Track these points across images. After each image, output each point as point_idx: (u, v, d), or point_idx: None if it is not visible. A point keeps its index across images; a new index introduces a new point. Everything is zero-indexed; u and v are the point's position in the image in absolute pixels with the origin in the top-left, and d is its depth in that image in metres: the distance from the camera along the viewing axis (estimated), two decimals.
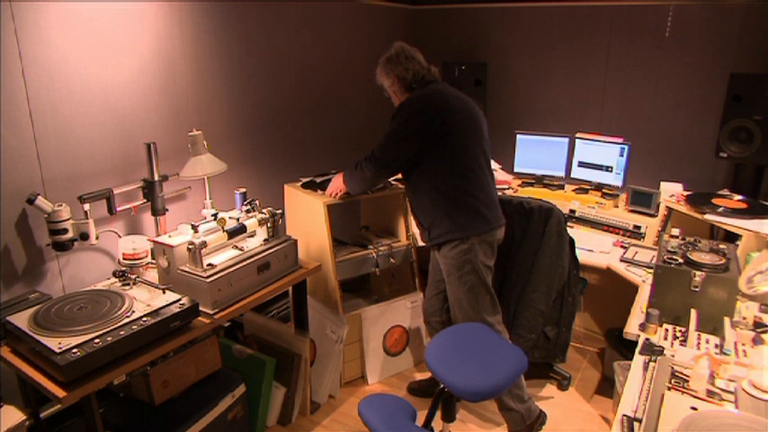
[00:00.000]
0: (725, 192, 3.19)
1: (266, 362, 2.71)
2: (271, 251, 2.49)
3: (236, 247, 2.46)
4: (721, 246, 2.42)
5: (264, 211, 2.55)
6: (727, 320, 2.06)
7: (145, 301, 2.05)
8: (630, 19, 3.79)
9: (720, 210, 2.83)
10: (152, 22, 2.61)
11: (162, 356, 2.12)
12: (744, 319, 2.13)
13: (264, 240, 2.54)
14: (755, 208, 2.87)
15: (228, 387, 2.49)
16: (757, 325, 2.10)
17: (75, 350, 1.73)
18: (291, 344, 2.84)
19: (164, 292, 2.10)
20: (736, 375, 1.68)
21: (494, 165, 3.75)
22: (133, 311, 1.96)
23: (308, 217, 3.02)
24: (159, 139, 2.65)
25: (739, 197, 3.02)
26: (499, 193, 3.40)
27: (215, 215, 2.46)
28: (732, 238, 2.76)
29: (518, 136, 3.77)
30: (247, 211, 2.55)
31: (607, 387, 3.10)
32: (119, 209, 2.52)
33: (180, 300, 2.06)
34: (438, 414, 2.13)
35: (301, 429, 2.85)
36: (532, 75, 4.30)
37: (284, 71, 3.47)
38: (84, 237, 2.32)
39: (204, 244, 2.23)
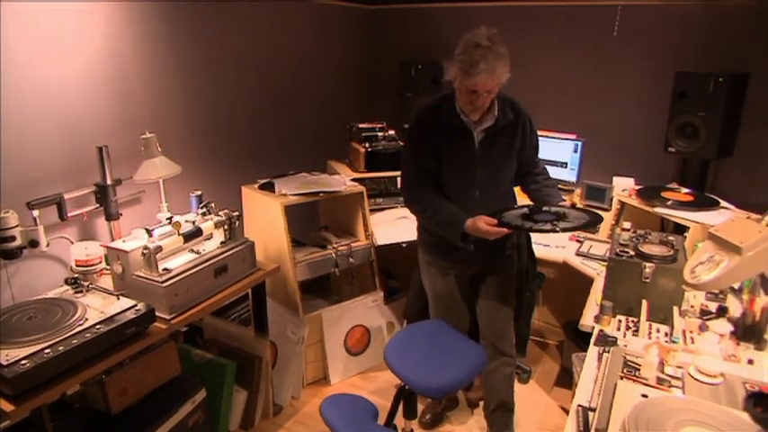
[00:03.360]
0: (673, 185, 3.29)
1: (227, 366, 2.68)
2: (228, 254, 2.47)
3: (193, 250, 2.42)
4: (670, 237, 2.49)
5: (221, 213, 2.53)
6: (676, 309, 2.13)
7: (99, 308, 2.00)
8: (581, 18, 3.87)
9: (669, 203, 2.92)
10: (101, 23, 2.55)
11: (118, 364, 2.07)
12: (692, 307, 2.21)
13: (221, 243, 2.52)
14: (701, 200, 2.97)
15: (188, 393, 2.45)
16: (703, 313, 2.18)
17: (23, 361, 1.69)
18: (252, 347, 2.82)
19: (118, 299, 2.06)
20: (683, 362, 1.74)
21: None
22: (86, 319, 1.92)
23: (266, 218, 3.00)
24: (111, 143, 2.59)
25: (686, 190, 3.12)
26: None
27: (170, 219, 2.42)
28: (681, 229, 2.84)
29: None
30: (203, 214, 2.52)
31: (566, 378, 3.17)
32: (70, 214, 2.46)
33: (135, 306, 2.03)
34: (400, 412, 2.15)
35: None
36: None
37: (240, 72, 3.43)
38: (34, 244, 2.26)
39: (159, 248, 2.19)
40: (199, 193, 2.84)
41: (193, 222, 2.44)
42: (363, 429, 1.93)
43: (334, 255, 3.08)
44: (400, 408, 2.14)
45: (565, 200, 2.44)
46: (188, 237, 2.35)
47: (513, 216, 2.21)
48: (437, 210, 2.29)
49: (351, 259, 3.13)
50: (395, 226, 3.29)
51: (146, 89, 2.83)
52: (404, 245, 3.16)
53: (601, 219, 2.24)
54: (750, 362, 1.79)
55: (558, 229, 2.10)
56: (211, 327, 2.98)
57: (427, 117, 2.30)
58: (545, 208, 2.27)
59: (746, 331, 1.96)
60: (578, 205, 2.41)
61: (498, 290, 2.54)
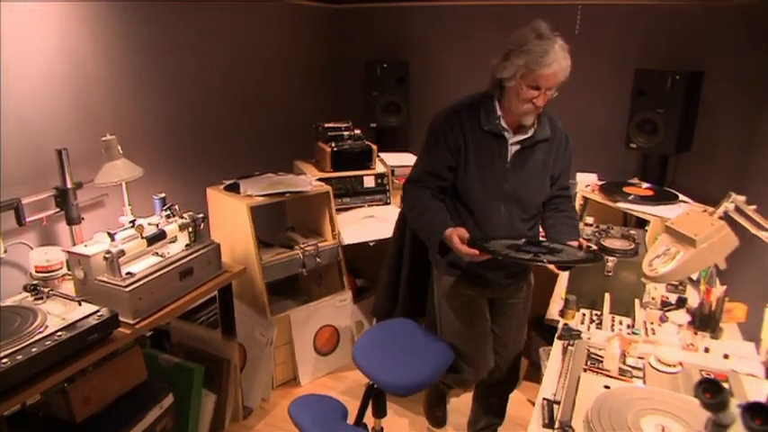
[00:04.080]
0: (635, 180, 3.36)
1: (194, 369, 2.65)
2: (193, 256, 2.44)
3: (157, 253, 2.39)
4: (632, 231, 2.56)
5: (185, 215, 2.50)
6: (637, 302, 2.18)
7: (60, 314, 1.96)
8: (544, 17, 3.92)
9: (630, 197, 2.98)
10: (56, 23, 2.49)
11: (81, 371, 2.03)
12: (653, 299, 2.27)
13: (186, 246, 2.49)
14: (661, 194, 3.05)
15: (156, 398, 2.41)
16: (664, 304, 2.25)
17: None
18: (220, 349, 2.79)
19: (80, 305, 2.02)
20: (644, 352, 1.79)
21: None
22: (46, 326, 1.88)
23: (232, 220, 2.97)
24: (71, 145, 2.53)
25: (647, 185, 3.20)
26: None
27: (133, 222, 2.38)
28: (643, 223, 2.91)
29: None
30: (167, 217, 2.48)
31: (535, 372, 3.22)
32: (29, 219, 2.40)
33: (98, 311, 1.99)
34: (370, 411, 2.16)
35: None
36: (453, 72, 4.38)
37: (204, 72, 3.39)
38: None
39: (122, 252, 2.16)
40: (162, 195, 2.79)
41: (157, 225, 2.41)
42: (332, 429, 1.94)
43: (301, 255, 3.07)
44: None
45: (578, 241, 2.14)
46: (152, 240, 2.32)
47: (498, 244, 1.96)
48: (424, 211, 2.12)
49: (318, 259, 3.12)
50: (362, 225, 3.29)
51: (105, 90, 2.77)
52: (371, 243, 3.16)
53: (600, 257, 2.04)
54: (706, 350, 1.85)
55: (540, 259, 1.86)
56: (178, 330, 2.94)
57: (460, 117, 2.08)
58: (544, 243, 2.03)
59: (703, 321, 2.02)
60: (587, 246, 2.11)
61: (515, 316, 2.41)
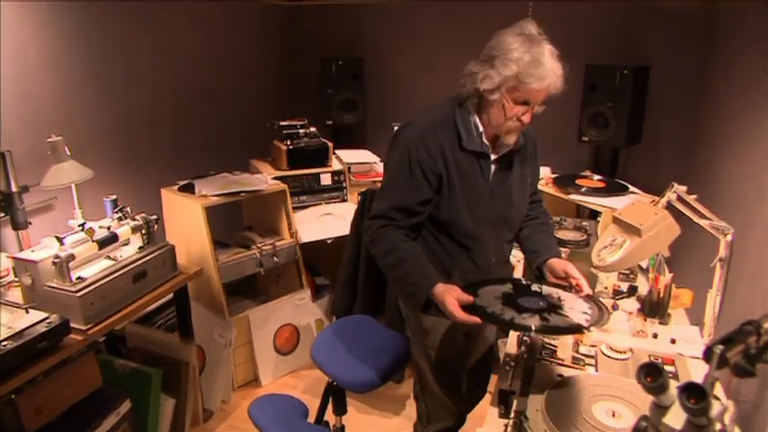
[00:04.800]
0: (587, 173, 3.44)
1: (152, 374, 2.60)
2: (147, 259, 2.39)
3: (109, 257, 2.34)
4: (584, 223, 2.62)
5: (138, 217, 2.45)
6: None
7: (6, 323, 1.89)
8: (497, 13, 3.96)
9: (583, 190, 3.05)
10: None
11: (31, 381, 1.97)
12: (605, 288, 2.33)
13: (139, 248, 2.44)
14: (612, 186, 3.12)
15: (112, 405, 2.36)
16: (616, 293, 2.31)
17: None
18: (178, 352, 2.74)
19: (27, 312, 1.96)
20: (596, 341, 1.83)
21: (372, 158, 3.84)
22: None
23: (187, 221, 2.93)
24: (15, 147, 2.45)
25: (598, 177, 3.27)
26: (379, 186, 3.48)
27: (82, 225, 2.32)
28: (595, 214, 2.98)
29: (395, 128, 3.84)
30: (119, 219, 2.43)
31: (495, 365, 3.26)
32: None
33: (47, 318, 1.93)
34: (330, 408, 2.16)
35: None
36: (408, 68, 4.40)
37: (156, 71, 3.33)
38: None
39: (72, 257, 2.10)
40: (113, 197, 2.74)
41: (108, 228, 2.35)
42: (293, 428, 1.93)
43: (258, 255, 3.04)
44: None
45: (561, 253, 1.95)
46: (103, 243, 2.26)
47: (491, 298, 1.69)
48: (401, 260, 1.76)
49: (276, 258, 3.10)
50: (319, 223, 3.28)
51: (51, 90, 2.69)
52: (329, 241, 3.16)
53: (604, 318, 1.59)
54: (655, 336, 1.91)
55: (549, 328, 1.55)
56: (134, 335, 2.88)
57: (436, 137, 1.74)
58: (534, 287, 1.77)
59: (652, 307, 2.08)
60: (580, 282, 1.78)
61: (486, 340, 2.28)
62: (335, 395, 2.09)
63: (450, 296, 1.63)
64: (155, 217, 2.50)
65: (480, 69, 1.70)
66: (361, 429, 2.75)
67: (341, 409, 2.13)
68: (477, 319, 1.57)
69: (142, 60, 3.21)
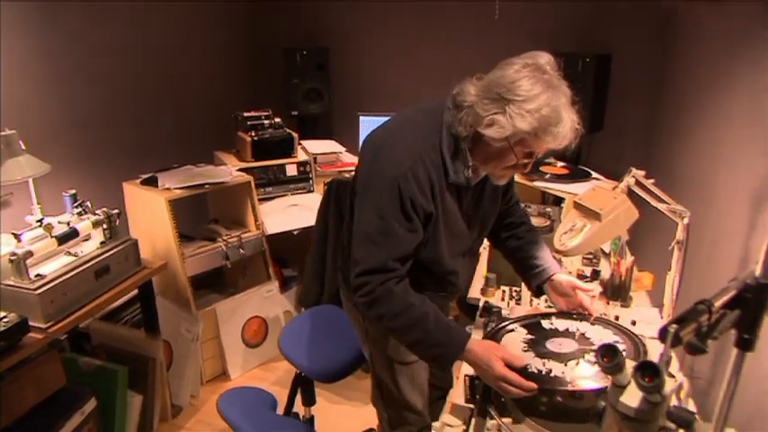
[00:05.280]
0: (551, 160, 3.48)
1: (117, 371, 2.56)
2: (109, 254, 2.35)
3: (70, 252, 2.29)
4: (548, 209, 2.66)
5: (98, 211, 2.40)
6: None
7: None
8: (463, 4, 4.00)
9: (547, 176, 3.09)
10: None
11: None
12: (569, 273, 2.37)
13: (101, 243, 2.39)
14: (575, 173, 3.17)
15: (76, 404, 2.32)
16: (580, 277, 2.35)
17: None
18: (144, 348, 2.71)
19: None
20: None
21: (338, 148, 3.82)
22: None
23: (151, 215, 2.88)
24: None
25: (562, 164, 3.32)
26: (346, 175, 3.47)
27: (40, 221, 2.27)
28: (559, 201, 3.03)
29: (360, 118, 3.85)
30: (79, 214, 2.38)
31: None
32: None
33: (4, 317, 1.89)
34: (299, 399, 2.16)
35: None
36: (373, 57, 4.40)
37: (116, 63, 3.25)
38: None
39: (29, 253, 2.05)
40: (73, 191, 2.67)
41: (68, 223, 2.30)
42: (262, 421, 1.93)
43: (224, 247, 3.01)
44: None
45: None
46: (62, 239, 2.22)
47: (518, 351, 1.51)
48: (423, 318, 1.51)
49: (242, 251, 3.08)
50: (286, 214, 3.27)
51: (4, 83, 2.61)
52: (295, 232, 3.15)
53: (640, 348, 1.51)
54: (616, 318, 1.95)
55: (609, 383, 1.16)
56: (99, 332, 2.83)
57: (427, 172, 1.49)
58: (544, 323, 1.66)
59: (614, 291, 2.13)
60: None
61: None
62: (304, 386, 2.10)
63: (496, 356, 1.42)
64: (116, 211, 2.46)
65: (487, 112, 1.41)
66: (330, 419, 2.76)
67: (309, 400, 2.14)
68: (534, 386, 1.36)
69: (101, 53, 3.13)
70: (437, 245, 1.59)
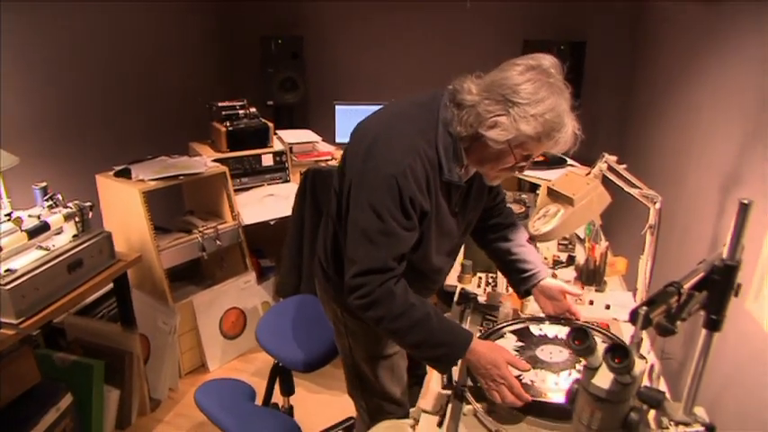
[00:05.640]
0: None
1: (93, 366, 2.54)
2: (82, 247, 2.32)
3: (41, 246, 2.25)
4: (523, 196, 2.68)
5: (70, 204, 2.36)
6: None
7: None
8: None
9: None
10: None
11: None
12: (545, 259, 2.39)
13: (74, 236, 2.36)
14: (552, 160, 3.19)
15: (51, 400, 2.29)
16: (556, 263, 2.38)
17: None
18: (120, 342, 2.68)
19: None
20: (535, 310, 1.87)
21: (314, 137, 3.80)
22: None
23: (125, 207, 2.84)
24: None
25: None
26: (322, 164, 3.46)
27: (9, 215, 2.22)
28: (535, 187, 3.05)
29: (336, 107, 3.84)
30: (50, 207, 2.34)
31: None
32: None
33: None
34: (278, 390, 2.16)
35: (143, 430, 2.73)
36: (349, 46, 4.37)
37: (86, 53, 3.20)
38: None
39: None
40: (43, 184, 2.61)
41: (38, 217, 2.26)
42: (240, 412, 1.92)
43: (200, 239, 2.98)
44: None
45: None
46: (33, 233, 2.18)
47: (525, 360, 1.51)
48: (425, 318, 1.47)
49: (218, 242, 3.05)
50: (262, 204, 3.25)
51: None
52: (272, 222, 3.14)
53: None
54: (591, 302, 1.98)
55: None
56: (74, 327, 2.80)
57: (423, 168, 1.44)
58: (533, 329, 1.68)
59: (589, 275, 2.16)
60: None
61: None
62: (282, 376, 2.09)
63: (503, 357, 1.42)
64: (89, 204, 2.42)
65: (490, 113, 1.38)
66: (310, 409, 2.76)
67: (288, 390, 2.14)
68: (529, 398, 1.37)
69: (70, 42, 3.07)
70: (427, 243, 1.56)
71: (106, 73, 3.37)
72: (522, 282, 1.78)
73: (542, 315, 1.78)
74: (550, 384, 1.41)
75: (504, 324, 1.72)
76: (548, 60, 1.40)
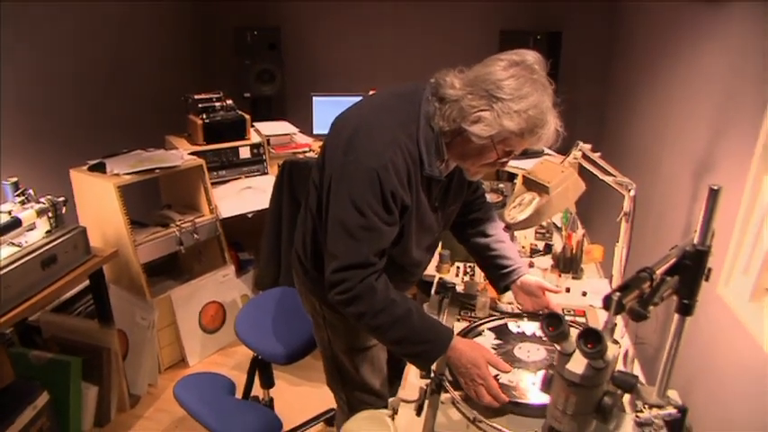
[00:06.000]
0: None
1: (70, 363, 2.50)
2: (55, 243, 2.28)
3: (13, 243, 2.21)
4: (500, 185, 2.69)
5: (43, 200, 2.32)
6: None
7: None
8: None
9: None
10: None
11: None
12: (523, 248, 2.41)
13: (47, 232, 2.32)
14: (529, 149, 3.20)
15: (27, 399, 2.25)
16: (533, 251, 2.39)
17: None
18: (98, 339, 2.65)
19: None
20: (512, 298, 1.89)
21: (292, 129, 3.78)
22: None
23: (100, 202, 2.80)
24: None
25: None
26: (300, 156, 3.44)
27: None
28: (513, 177, 3.06)
29: (314, 98, 3.81)
30: (21, 203, 2.30)
31: None
32: None
33: None
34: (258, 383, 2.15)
35: (122, 426, 2.71)
36: (325, 37, 4.35)
37: (58, 46, 3.13)
38: None
39: None
40: (14, 179, 2.56)
41: (9, 213, 2.22)
42: (220, 405, 1.92)
43: (177, 233, 2.95)
44: None
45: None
46: (4, 229, 2.14)
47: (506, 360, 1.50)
48: (406, 315, 1.46)
49: (196, 235, 3.02)
50: (240, 197, 3.22)
51: None
52: (249, 215, 3.12)
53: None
54: (567, 290, 2.00)
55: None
56: (50, 324, 2.76)
57: (405, 161, 1.42)
58: (511, 326, 1.70)
59: (566, 263, 2.18)
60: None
61: None
62: (261, 369, 2.09)
63: (484, 357, 1.43)
64: (62, 199, 2.38)
65: (473, 108, 1.36)
66: (291, 401, 2.76)
67: (268, 383, 2.13)
68: (506, 399, 1.37)
69: (40, 34, 3.01)
70: (408, 238, 1.54)
71: (78, 65, 3.31)
72: (501, 278, 1.78)
73: (520, 311, 1.79)
74: (527, 384, 1.42)
75: (483, 321, 1.72)
76: (531, 56, 1.39)
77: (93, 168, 2.90)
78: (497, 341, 1.62)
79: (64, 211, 2.39)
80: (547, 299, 1.73)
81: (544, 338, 1.61)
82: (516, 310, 1.82)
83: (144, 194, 3.50)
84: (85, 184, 2.89)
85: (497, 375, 1.44)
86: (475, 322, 1.73)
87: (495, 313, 1.82)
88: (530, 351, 1.56)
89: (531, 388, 1.41)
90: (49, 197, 2.34)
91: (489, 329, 1.67)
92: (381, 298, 1.44)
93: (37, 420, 2.28)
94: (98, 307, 2.69)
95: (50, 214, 2.33)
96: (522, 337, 1.64)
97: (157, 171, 2.87)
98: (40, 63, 3.03)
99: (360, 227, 1.41)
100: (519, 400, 1.37)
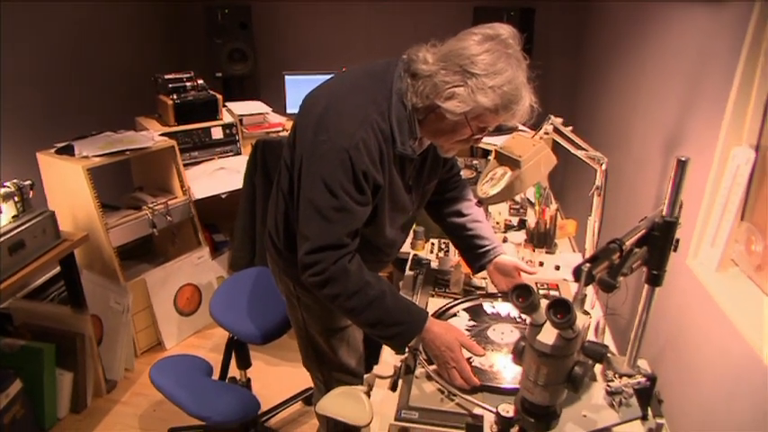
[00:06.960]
0: None
1: (43, 349, 2.48)
2: (23, 228, 2.24)
3: None
4: (474, 161, 2.70)
5: (8, 184, 2.27)
6: None
7: None
8: None
9: None
10: None
11: None
12: (497, 223, 2.42)
13: (14, 217, 2.28)
14: (503, 126, 3.20)
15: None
16: (508, 227, 2.41)
17: None
18: (71, 324, 2.62)
19: None
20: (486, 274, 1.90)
21: (265, 109, 3.73)
22: None
23: (69, 185, 2.74)
24: None
25: None
26: (273, 135, 3.41)
27: None
28: (487, 153, 3.07)
29: (285, 77, 3.76)
30: None
31: None
32: None
33: None
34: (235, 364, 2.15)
35: (99, 411, 2.68)
36: (298, 15, 4.29)
37: (21, 24, 3.04)
38: None
39: None
40: None
41: None
42: (197, 387, 1.91)
43: (150, 215, 2.91)
44: None
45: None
46: None
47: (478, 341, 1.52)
48: (380, 296, 1.45)
49: (169, 218, 2.98)
50: (213, 178, 3.18)
51: None
52: (223, 196, 3.09)
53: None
54: (541, 264, 2.02)
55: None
56: (21, 311, 2.72)
57: (377, 140, 1.39)
58: (486, 306, 1.71)
59: (540, 238, 2.19)
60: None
61: None
62: (237, 349, 2.08)
63: (457, 340, 1.44)
64: (29, 182, 2.34)
65: (447, 84, 1.33)
66: (268, 381, 2.76)
67: (244, 363, 2.13)
68: (477, 383, 1.38)
69: (9, 16, 2.92)
70: (381, 217, 1.53)
71: (44, 46, 3.22)
72: (477, 258, 1.78)
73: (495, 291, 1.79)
74: (499, 367, 1.43)
75: (458, 302, 1.73)
76: (506, 30, 1.35)
77: (60, 151, 2.83)
78: (471, 322, 1.63)
79: (31, 195, 2.35)
80: (522, 279, 1.72)
81: (518, 319, 1.63)
82: (491, 288, 1.83)
83: (115, 177, 3.44)
84: (53, 167, 2.82)
85: (470, 358, 1.44)
86: (450, 301, 1.73)
87: (471, 288, 1.83)
88: (503, 332, 1.57)
89: (503, 371, 1.42)
90: (14, 181, 2.29)
91: (464, 310, 1.68)
92: (355, 280, 1.43)
93: (10, 408, 2.26)
94: (70, 292, 2.65)
95: (17, 198, 2.29)
96: (497, 317, 1.65)
97: (128, 153, 2.82)
98: (2, 46, 2.94)
99: (332, 208, 1.38)
100: (491, 384, 1.38)
